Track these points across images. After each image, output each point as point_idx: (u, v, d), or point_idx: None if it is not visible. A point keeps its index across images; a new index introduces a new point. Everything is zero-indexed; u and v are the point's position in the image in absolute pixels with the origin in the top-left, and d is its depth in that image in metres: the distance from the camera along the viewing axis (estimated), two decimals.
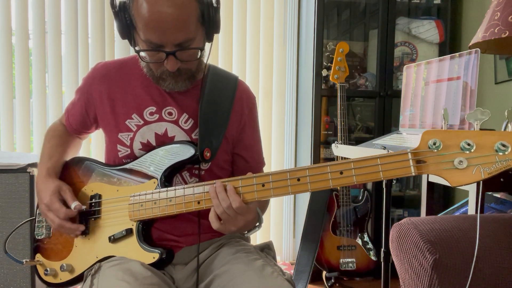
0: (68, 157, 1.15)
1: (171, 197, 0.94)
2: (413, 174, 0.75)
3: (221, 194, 0.87)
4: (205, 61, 1.07)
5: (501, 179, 1.14)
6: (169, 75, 0.99)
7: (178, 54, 0.94)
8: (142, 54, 0.97)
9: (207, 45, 1.03)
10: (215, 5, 0.96)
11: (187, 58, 0.97)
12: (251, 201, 0.88)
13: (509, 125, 0.71)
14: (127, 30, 0.96)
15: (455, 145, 0.73)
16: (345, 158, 2.00)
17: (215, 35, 1.02)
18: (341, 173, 0.81)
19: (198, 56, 1.00)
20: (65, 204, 1.02)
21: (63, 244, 1.05)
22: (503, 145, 0.69)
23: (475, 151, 0.71)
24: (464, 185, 0.72)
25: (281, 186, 0.85)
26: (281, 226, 2.66)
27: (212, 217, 0.90)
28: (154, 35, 0.91)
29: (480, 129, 0.73)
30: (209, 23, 0.97)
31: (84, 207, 1.02)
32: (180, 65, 0.97)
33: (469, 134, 0.72)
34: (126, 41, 0.99)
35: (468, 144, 0.71)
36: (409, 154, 0.76)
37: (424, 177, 1.51)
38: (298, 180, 0.84)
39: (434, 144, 0.74)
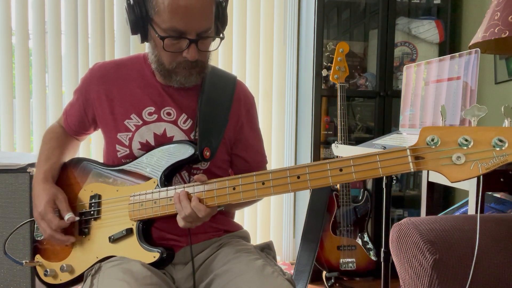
0: (66, 159, 1.14)
1: (171, 196, 0.95)
2: (412, 170, 0.76)
3: (183, 202, 0.91)
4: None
5: (501, 179, 1.14)
6: (185, 67, 0.99)
7: (199, 43, 0.96)
8: (166, 42, 0.96)
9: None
10: (223, 3, 1.01)
11: (205, 48, 0.99)
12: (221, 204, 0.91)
13: (505, 121, 0.72)
14: (141, 23, 0.97)
15: (453, 141, 0.73)
16: None
17: None
18: (341, 170, 0.81)
19: (213, 48, 1.02)
20: (60, 213, 1.02)
21: (62, 245, 1.05)
22: (500, 141, 0.70)
23: (472, 147, 0.72)
24: (463, 180, 0.73)
25: (281, 184, 0.85)
26: (281, 226, 2.66)
27: (178, 218, 0.93)
28: (181, 21, 0.92)
29: None
30: (218, 19, 1.00)
31: (77, 218, 1.03)
32: (199, 55, 0.97)
33: (467, 130, 0.73)
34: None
35: (466, 140, 0.72)
36: (408, 150, 0.76)
37: (424, 177, 1.51)
38: (298, 177, 0.84)
39: (432, 140, 0.74)
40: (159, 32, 0.95)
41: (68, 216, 1.00)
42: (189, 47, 0.95)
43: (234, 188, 0.89)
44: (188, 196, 0.92)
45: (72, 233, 1.04)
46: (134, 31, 0.99)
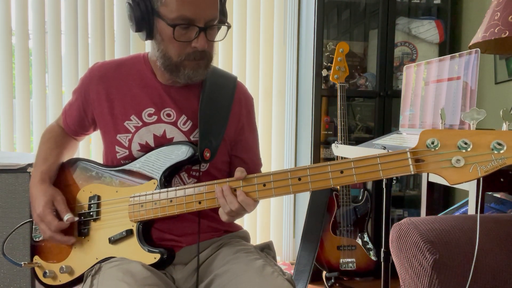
0: (64, 159, 1.14)
1: (171, 197, 0.94)
2: (412, 173, 0.77)
3: (228, 196, 0.89)
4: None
5: (501, 179, 1.14)
6: (194, 58, 0.98)
7: (208, 32, 0.96)
8: (176, 31, 0.95)
9: None
10: None
11: (212, 38, 0.99)
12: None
13: (504, 124, 0.73)
14: (147, 19, 0.96)
15: (452, 144, 0.75)
16: (345, 158, 1.99)
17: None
18: (342, 172, 0.82)
19: (220, 38, 1.02)
20: (58, 214, 1.01)
21: (61, 246, 1.05)
22: (499, 144, 0.71)
23: (471, 150, 0.73)
24: (462, 183, 0.74)
25: (282, 186, 0.86)
26: (281, 226, 2.66)
27: (221, 212, 0.93)
28: (190, 9, 0.92)
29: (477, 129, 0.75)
30: (221, 12, 1.00)
31: (76, 218, 1.02)
32: (207, 45, 0.98)
33: (466, 133, 0.74)
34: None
35: (465, 143, 0.73)
36: (408, 153, 0.77)
37: (424, 177, 1.51)
38: (299, 179, 0.84)
39: (432, 143, 0.75)
40: (168, 23, 0.94)
41: (67, 216, 1.00)
42: (199, 35, 0.95)
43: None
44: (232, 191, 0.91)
45: (71, 234, 1.03)
46: (139, 28, 0.98)
